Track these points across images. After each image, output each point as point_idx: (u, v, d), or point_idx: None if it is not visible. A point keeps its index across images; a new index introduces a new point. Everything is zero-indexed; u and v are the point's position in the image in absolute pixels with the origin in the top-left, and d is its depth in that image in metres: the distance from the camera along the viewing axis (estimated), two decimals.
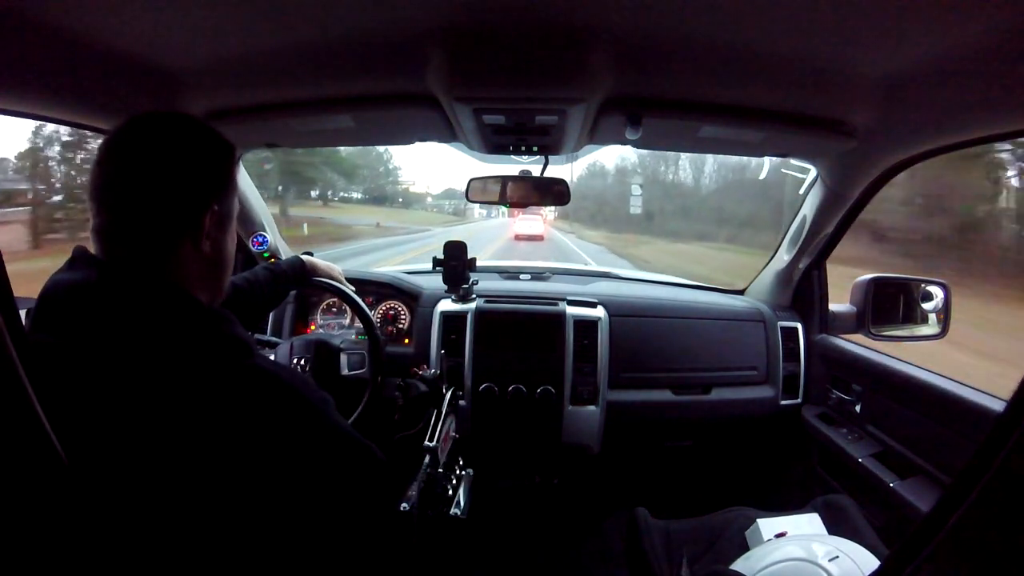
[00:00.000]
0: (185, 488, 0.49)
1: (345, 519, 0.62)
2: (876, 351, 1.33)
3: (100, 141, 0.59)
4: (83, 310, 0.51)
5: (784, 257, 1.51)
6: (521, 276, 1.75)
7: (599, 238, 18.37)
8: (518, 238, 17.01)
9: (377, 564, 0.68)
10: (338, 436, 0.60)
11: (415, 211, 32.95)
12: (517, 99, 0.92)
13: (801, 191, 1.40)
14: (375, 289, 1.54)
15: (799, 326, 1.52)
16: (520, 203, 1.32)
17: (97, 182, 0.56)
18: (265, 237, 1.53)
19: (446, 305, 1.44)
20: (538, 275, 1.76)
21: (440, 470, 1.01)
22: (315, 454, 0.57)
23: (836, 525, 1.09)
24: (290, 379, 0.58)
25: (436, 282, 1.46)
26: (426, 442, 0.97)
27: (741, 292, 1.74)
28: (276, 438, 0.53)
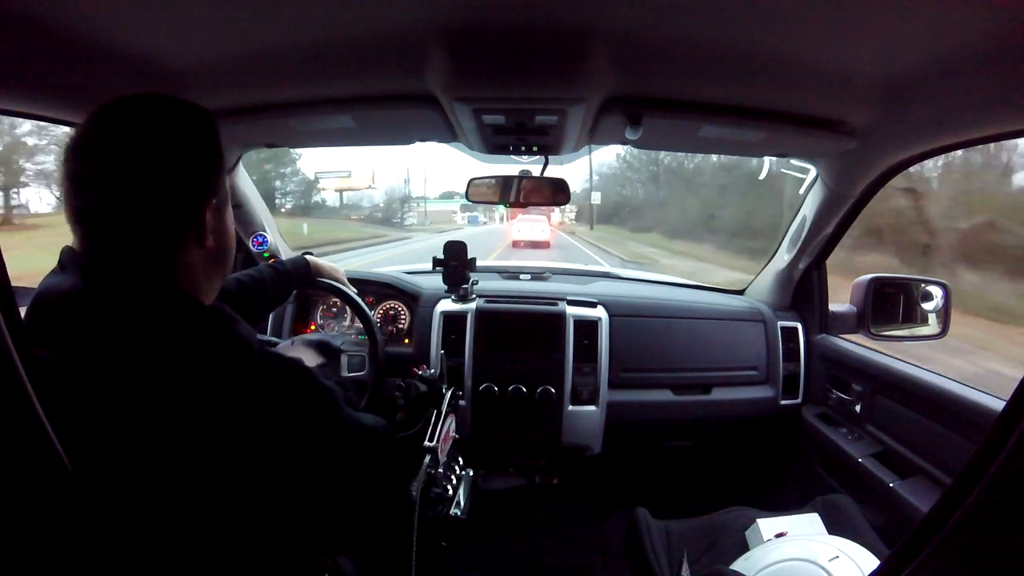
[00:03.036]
0: (194, 493, 0.48)
1: (358, 506, 0.61)
2: (876, 351, 1.33)
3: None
4: (77, 321, 0.49)
5: (784, 257, 1.51)
6: (521, 276, 1.75)
7: None
8: (516, 245, 14.29)
9: (387, 547, 0.68)
10: (346, 428, 0.60)
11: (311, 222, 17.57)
12: (517, 99, 0.92)
13: (801, 191, 1.40)
14: (375, 289, 1.54)
15: (799, 326, 1.52)
16: (520, 203, 1.32)
17: (76, 178, 0.51)
18: (265, 237, 1.54)
19: (446, 305, 1.44)
20: (538, 275, 1.76)
21: (440, 470, 1.01)
22: (324, 447, 0.56)
23: (836, 525, 1.10)
24: (294, 374, 0.57)
25: (436, 282, 1.46)
26: (426, 442, 0.97)
27: (741, 292, 1.74)
28: (283, 435, 0.53)
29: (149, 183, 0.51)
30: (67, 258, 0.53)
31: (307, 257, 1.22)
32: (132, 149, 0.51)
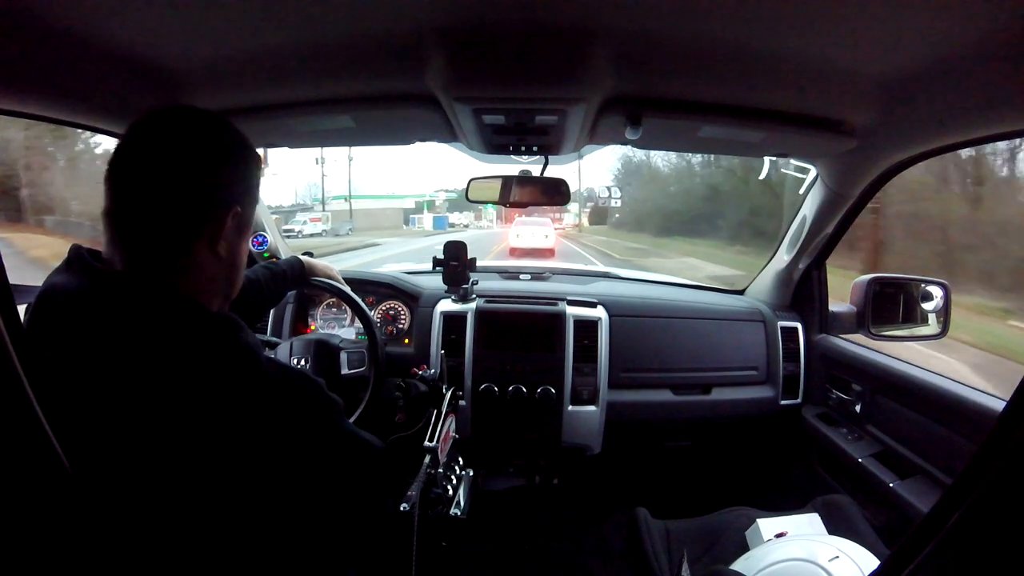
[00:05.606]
0: (192, 496, 0.48)
1: (350, 519, 0.62)
2: (876, 351, 1.33)
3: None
4: (81, 321, 0.49)
5: (784, 257, 1.51)
6: (521, 276, 1.75)
7: None
8: (514, 252, 12.01)
9: (377, 562, 0.69)
10: (346, 440, 0.61)
11: None
12: (517, 99, 0.92)
13: (801, 191, 1.40)
14: (375, 289, 1.54)
15: (799, 326, 1.52)
16: (520, 203, 1.32)
17: (117, 173, 0.54)
18: (265, 237, 1.54)
19: (446, 305, 1.44)
20: (538, 275, 1.76)
21: (440, 470, 1.01)
22: (324, 458, 0.57)
23: (836, 525, 1.09)
24: (300, 385, 0.57)
25: (436, 282, 1.46)
26: (426, 442, 0.97)
27: (741, 292, 1.74)
28: (286, 446, 0.53)
29: (172, 175, 0.53)
30: (74, 256, 0.53)
31: (301, 257, 1.22)
32: (164, 153, 0.54)
